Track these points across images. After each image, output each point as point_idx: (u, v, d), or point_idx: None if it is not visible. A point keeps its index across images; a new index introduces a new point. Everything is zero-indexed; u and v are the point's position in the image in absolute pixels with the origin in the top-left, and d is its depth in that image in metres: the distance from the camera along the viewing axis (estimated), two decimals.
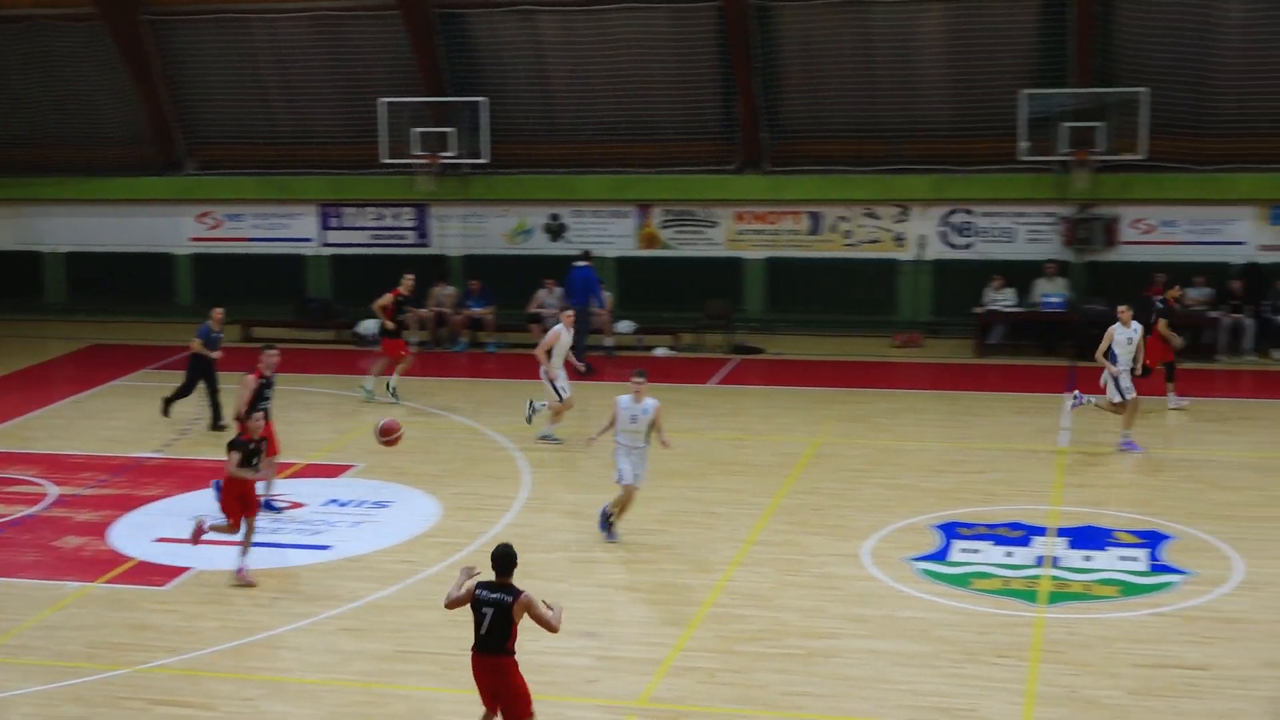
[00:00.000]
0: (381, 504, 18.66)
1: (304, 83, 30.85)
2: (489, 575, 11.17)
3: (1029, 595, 15.25)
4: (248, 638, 14.35)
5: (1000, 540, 16.87)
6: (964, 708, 12.65)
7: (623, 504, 16.95)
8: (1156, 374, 22.34)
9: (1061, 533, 17.14)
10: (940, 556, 16.41)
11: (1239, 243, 27.72)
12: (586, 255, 27.50)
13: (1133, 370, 20.65)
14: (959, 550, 16.59)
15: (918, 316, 29.07)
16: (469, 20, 29.49)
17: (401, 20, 29.22)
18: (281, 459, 18.74)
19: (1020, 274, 27.97)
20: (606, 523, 17.05)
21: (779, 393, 25.12)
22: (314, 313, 30.71)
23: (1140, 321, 20.95)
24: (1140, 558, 16.31)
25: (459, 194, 30.54)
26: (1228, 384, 25.39)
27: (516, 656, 11.17)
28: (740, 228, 29.75)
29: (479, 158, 29.41)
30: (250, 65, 30.96)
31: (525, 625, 11.11)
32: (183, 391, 22.72)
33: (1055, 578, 15.72)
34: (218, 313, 22.74)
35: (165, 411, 22.76)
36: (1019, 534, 17.12)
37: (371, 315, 29.49)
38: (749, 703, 12.84)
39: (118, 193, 32.27)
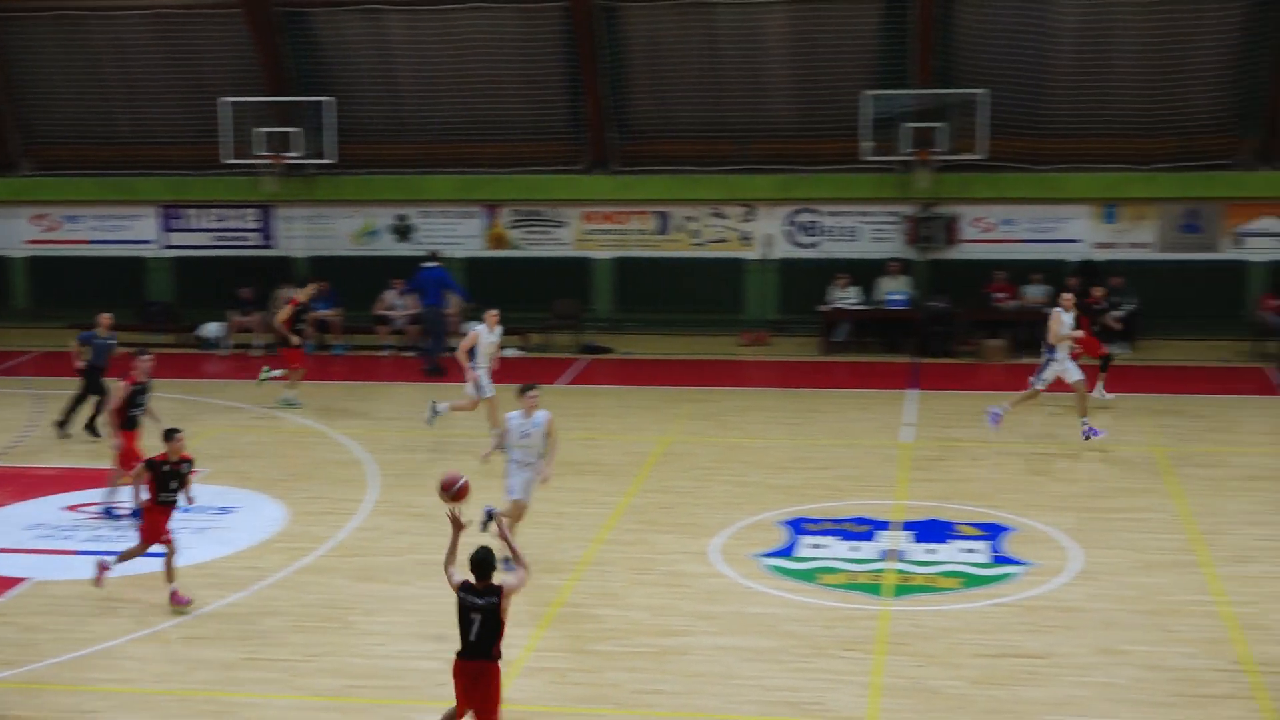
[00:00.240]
0: (226, 509, 18.38)
1: (144, 82, 30.30)
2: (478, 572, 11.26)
3: (874, 589, 15.47)
4: (88, 649, 14.04)
5: (846, 535, 17.10)
6: (812, 701, 12.80)
7: (513, 518, 16.19)
8: (1089, 367, 22.52)
9: (905, 527, 17.41)
10: (787, 552, 16.58)
11: (1075, 240, 28.40)
12: (435, 256, 27.35)
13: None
14: (806, 546, 16.78)
15: (764, 315, 29.37)
16: (313, 19, 29.18)
17: (243, 19, 28.82)
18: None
19: (865, 272, 28.38)
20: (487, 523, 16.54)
21: (628, 392, 25.21)
22: (155, 316, 30.15)
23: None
24: (982, 550, 16.63)
25: (305, 195, 30.21)
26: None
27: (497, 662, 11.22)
28: (588, 228, 29.81)
29: (325, 158, 29.11)
30: (89, 64, 30.32)
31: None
32: (79, 403, 21.83)
33: (900, 571, 15.97)
34: (105, 318, 21.46)
35: (89, 428, 21.68)
36: (864, 528, 17.37)
37: (214, 319, 29.13)
38: (600, 702, 12.86)
39: None
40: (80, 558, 15.80)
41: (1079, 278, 27.60)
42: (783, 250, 29.30)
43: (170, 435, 15.12)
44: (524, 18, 28.54)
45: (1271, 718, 12.42)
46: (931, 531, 17.25)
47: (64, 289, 30.25)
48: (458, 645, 11.32)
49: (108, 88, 30.53)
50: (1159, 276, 27.82)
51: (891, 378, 25.82)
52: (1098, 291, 23.96)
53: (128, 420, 17.77)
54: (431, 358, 26.57)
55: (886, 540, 16.96)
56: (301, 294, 24.20)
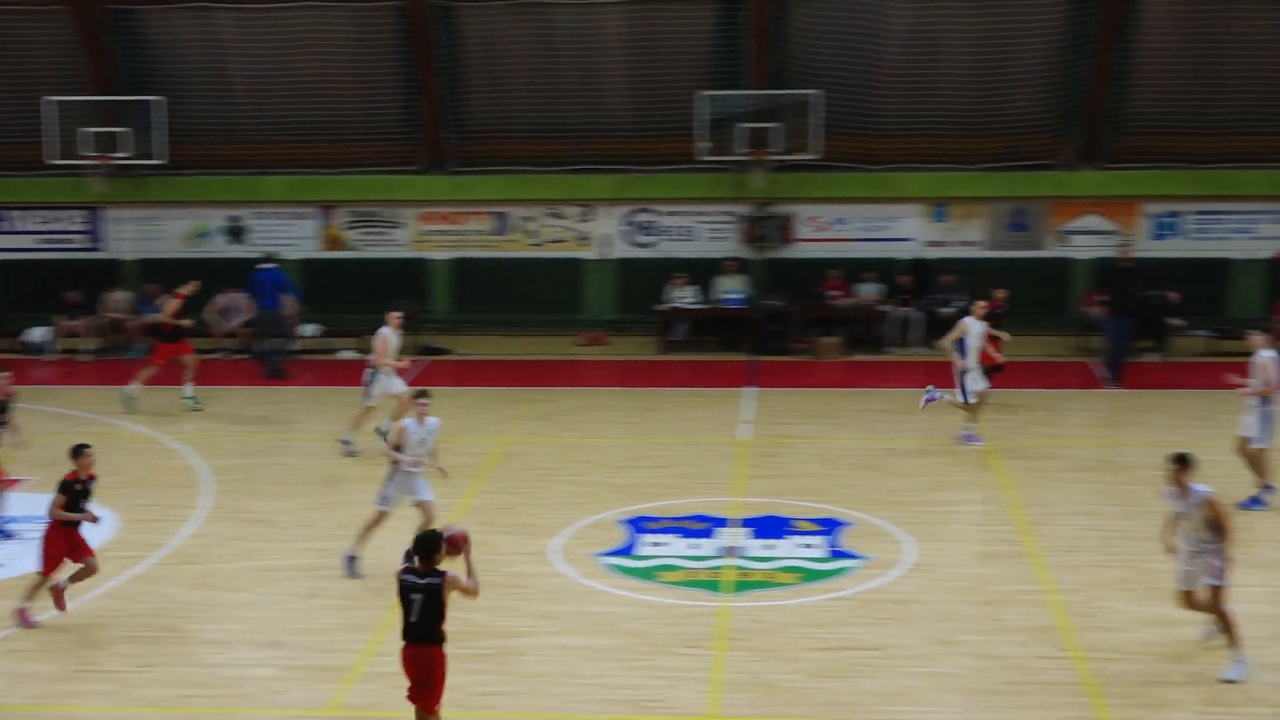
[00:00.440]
0: None
1: None
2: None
3: (713, 585, 15.60)
4: None
5: (685, 533, 17.21)
6: (652, 699, 12.88)
7: (375, 523, 16.06)
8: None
9: (744, 523, 17.58)
10: (627, 551, 16.66)
11: (906, 239, 28.90)
12: (271, 258, 26.97)
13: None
14: (645, 544, 16.87)
15: (603, 315, 29.44)
16: (142, 18, 28.58)
17: (67, 17, 28.14)
18: None
19: (702, 271, 28.58)
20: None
21: (467, 393, 25.08)
22: None
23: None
24: (819, 545, 16.86)
25: (134, 196, 29.58)
26: (898, 375, 26.40)
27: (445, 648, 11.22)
28: (425, 228, 29.63)
29: (155, 159, 28.53)
30: None
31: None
32: None
33: (738, 567, 16.12)
34: None
35: None
36: (703, 526, 17.50)
37: (40, 323, 28.44)
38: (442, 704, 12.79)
39: None
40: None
41: (911, 276, 28.12)
42: (620, 250, 29.40)
43: (79, 451, 14.58)
44: (358, 17, 28.26)
45: (1098, 703, 12.78)
46: (769, 527, 17.44)
47: None
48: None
49: None
50: (987, 274, 28.35)
51: (729, 376, 26.05)
52: (1000, 294, 24.19)
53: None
54: (273, 361, 26.22)
55: (725, 537, 17.11)
56: (186, 289, 23.76)
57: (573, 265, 29.45)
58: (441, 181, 29.40)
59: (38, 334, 28.33)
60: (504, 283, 29.39)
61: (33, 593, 14.55)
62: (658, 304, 28.38)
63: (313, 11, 28.11)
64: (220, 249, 29.78)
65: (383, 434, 20.56)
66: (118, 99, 28.65)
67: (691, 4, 27.83)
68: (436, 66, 28.34)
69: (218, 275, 28.40)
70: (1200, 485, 12.87)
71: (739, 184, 28.44)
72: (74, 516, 14.40)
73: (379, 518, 15.94)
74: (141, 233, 29.96)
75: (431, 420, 15.98)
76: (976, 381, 21.09)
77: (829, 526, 17.47)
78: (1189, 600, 13.20)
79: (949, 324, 27.50)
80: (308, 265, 29.45)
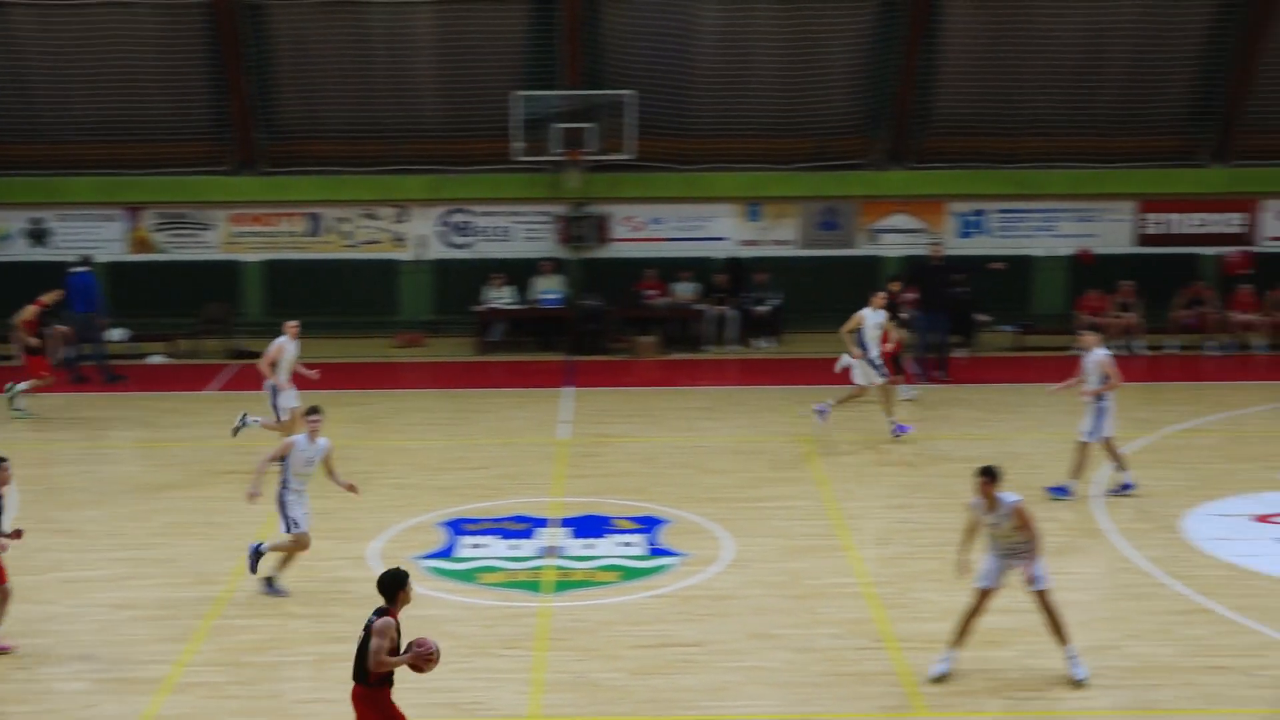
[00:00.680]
0: None
1: None
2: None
3: (534, 586, 15.61)
4: None
5: (505, 534, 17.20)
6: (473, 701, 12.85)
7: (299, 549, 15.43)
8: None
9: (564, 523, 17.62)
10: (447, 553, 16.59)
11: (721, 239, 29.19)
12: (86, 261, 26.31)
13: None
14: (465, 546, 16.81)
15: (419, 316, 29.24)
16: None
17: None
18: None
19: (519, 272, 28.55)
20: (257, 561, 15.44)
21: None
22: None
23: None
24: (638, 543, 16.97)
25: None
26: (714, 373, 26.69)
27: (380, 690, 10.73)
28: (237, 230, 29.13)
29: None
30: None
31: None
32: None
33: (559, 567, 16.15)
34: None
35: None
36: (523, 526, 17.50)
37: None
38: (260, 714, 12.62)
39: None
40: None
41: (726, 275, 28.41)
42: (436, 251, 29.22)
43: None
44: (164, 15, 27.64)
45: (912, 692, 13.06)
46: (589, 527, 17.50)
47: None
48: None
49: None
50: (800, 272, 28.84)
51: (547, 376, 26.07)
52: (894, 286, 24.39)
53: None
54: (82, 367, 25.57)
55: (545, 537, 17.13)
56: (47, 297, 22.99)
57: (388, 266, 29.21)
58: (252, 182, 28.94)
59: None
60: (318, 285, 29.02)
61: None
62: (475, 305, 28.28)
63: (116, 8, 27.42)
64: (22, 252, 28.93)
65: (239, 426, 20.17)
66: None
67: (504, 4, 27.77)
68: (246, 65, 27.87)
69: (17, 280, 27.56)
70: (1008, 494, 13.13)
71: (554, 184, 28.47)
72: None
73: (301, 544, 15.28)
74: None
75: (322, 440, 15.33)
76: (874, 372, 21.34)
77: (648, 525, 17.58)
78: (983, 598, 13.33)
79: (764, 322, 28.07)
80: (115, 268, 28.74)
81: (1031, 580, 13.08)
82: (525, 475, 19.77)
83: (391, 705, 10.82)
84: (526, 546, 16.82)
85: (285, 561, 15.38)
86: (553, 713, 12.65)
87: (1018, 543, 13.14)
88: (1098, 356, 18.27)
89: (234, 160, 28.92)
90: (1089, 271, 28.22)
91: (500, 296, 28.33)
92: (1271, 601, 15.14)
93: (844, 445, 21.23)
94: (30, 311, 22.98)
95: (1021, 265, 28.54)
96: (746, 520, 17.77)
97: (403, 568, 11.04)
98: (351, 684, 10.81)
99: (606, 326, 27.97)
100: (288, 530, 15.24)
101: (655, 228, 29.14)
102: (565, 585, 15.66)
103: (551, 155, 27.62)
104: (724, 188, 28.96)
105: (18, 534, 13.78)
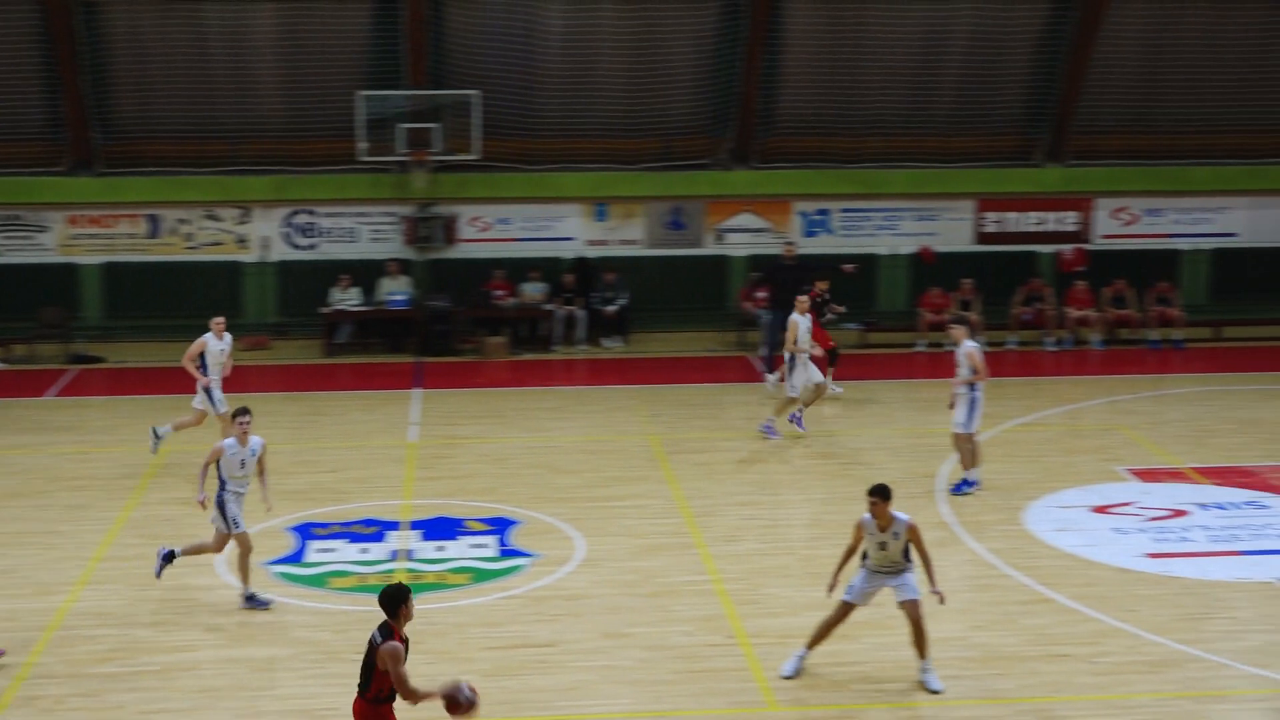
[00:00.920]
0: None
1: None
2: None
3: None
4: None
5: (355, 538, 17.06)
6: (326, 707, 12.73)
7: (245, 551, 15.05)
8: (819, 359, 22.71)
9: (414, 525, 17.53)
10: (296, 559, 16.40)
11: (569, 238, 29.21)
12: None
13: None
14: (314, 551, 16.65)
15: (264, 318, 28.81)
16: None
17: None
18: None
19: (365, 273, 28.28)
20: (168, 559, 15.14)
21: (122, 402, 24.25)
22: None
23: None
24: (490, 544, 16.94)
25: None
26: (564, 373, 26.72)
27: (381, 706, 10.50)
28: (74, 232, 28.46)
29: None
30: None
31: None
32: None
33: (410, 570, 16.07)
34: None
35: None
36: (373, 530, 17.37)
37: None
38: None
39: None
40: None
41: (574, 274, 28.44)
42: (281, 252, 28.84)
43: None
44: None
45: (763, 686, 13.20)
46: (440, 529, 17.43)
47: None
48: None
49: None
50: (648, 271, 28.96)
51: (395, 378, 25.87)
52: (821, 285, 24.39)
53: None
54: None
55: (396, 540, 17.02)
56: None
57: (231, 268, 28.75)
58: (89, 183, 28.29)
59: None
60: (159, 287, 28.46)
61: None
62: (321, 306, 27.96)
63: None
64: None
65: (156, 441, 19.79)
66: None
67: (346, 3, 27.50)
68: (80, 63, 27.24)
69: None
70: (900, 514, 13.20)
71: (400, 184, 28.27)
72: None
73: (244, 543, 14.94)
74: None
75: (255, 439, 15.11)
76: (811, 373, 21.38)
77: (499, 526, 17.56)
78: (846, 612, 13.36)
79: (613, 322, 28.12)
80: None
81: (909, 589, 13.16)
82: (375, 478, 19.62)
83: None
84: (377, 550, 16.70)
85: (245, 569, 14.96)
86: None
87: (903, 564, 13.24)
88: (967, 348, 18.59)
89: (70, 160, 28.26)
90: (930, 269, 28.72)
91: (347, 298, 28.05)
92: (1109, 590, 15.57)
93: (693, 443, 21.37)
94: None
95: (865, 264, 28.95)
96: (598, 520, 17.82)
97: (404, 584, 10.80)
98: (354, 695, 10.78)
99: (455, 327, 27.83)
100: (228, 530, 14.94)
101: (503, 228, 29.06)
102: (416, 588, 15.47)
103: (397, 155, 27.42)
104: (571, 188, 28.98)
105: None
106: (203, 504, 15.07)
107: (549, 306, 28.17)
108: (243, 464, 15.01)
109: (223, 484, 14.99)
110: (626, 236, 29.32)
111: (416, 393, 24.70)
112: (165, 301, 28.41)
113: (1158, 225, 29.87)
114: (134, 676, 13.27)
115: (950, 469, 19.45)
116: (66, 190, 28.27)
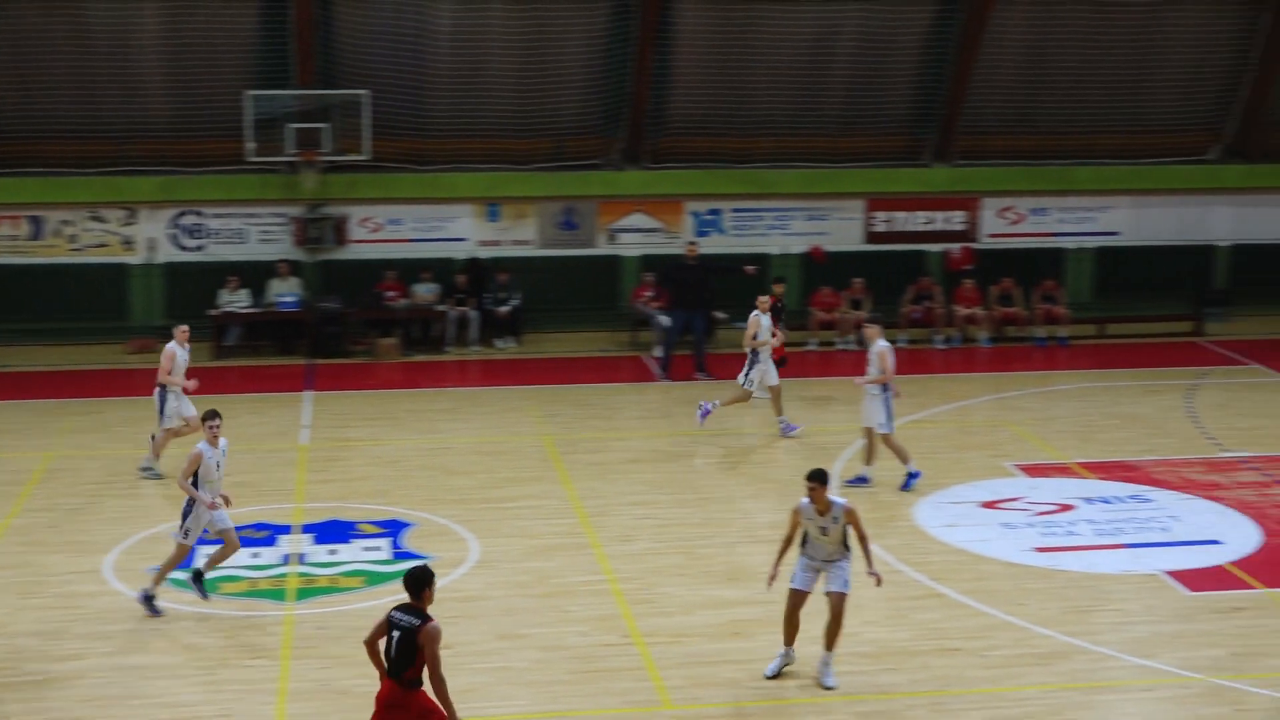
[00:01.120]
0: None
1: None
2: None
3: (277, 594, 15.37)
4: None
5: (246, 542, 16.84)
6: (217, 714, 12.60)
7: (226, 553, 15.08)
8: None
9: (306, 529, 17.39)
10: (186, 564, 16.17)
11: (461, 239, 29.09)
12: None
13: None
14: (205, 556, 16.41)
15: (151, 321, 28.38)
16: None
17: None
18: None
19: (255, 274, 27.97)
20: (199, 580, 15.05)
21: (4, 407, 23.76)
22: None
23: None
24: (383, 547, 16.84)
25: None
26: (456, 374, 26.60)
27: (413, 692, 10.51)
28: None
29: None
30: None
31: None
32: None
33: (302, 574, 15.94)
34: None
35: None
36: (264, 534, 17.21)
37: None
38: None
39: None
40: None
41: (467, 275, 28.34)
42: (168, 254, 28.44)
43: None
44: None
45: (658, 684, 13.25)
46: (332, 532, 17.30)
47: None
48: None
49: None
50: (541, 272, 28.93)
51: (286, 380, 25.62)
52: (778, 289, 24.29)
53: None
54: None
55: (288, 544, 16.87)
56: None
57: (117, 270, 28.30)
58: None
59: None
60: (42, 290, 27.95)
61: None
62: (210, 308, 27.62)
63: None
64: None
65: (146, 470, 19.47)
66: None
67: (233, 1, 27.19)
68: None
69: None
70: (838, 498, 13.32)
71: (290, 185, 28.00)
72: None
73: (180, 553, 14.87)
74: None
75: (223, 442, 15.11)
76: (768, 375, 21.40)
77: (392, 528, 17.47)
78: (799, 598, 13.41)
79: (505, 322, 28.05)
80: None
81: (842, 580, 13.26)
82: (265, 482, 19.43)
83: (427, 700, 10.69)
84: (268, 554, 16.55)
85: (164, 576, 14.95)
86: None
87: (841, 552, 13.33)
88: (880, 348, 18.79)
89: None
90: (821, 269, 28.95)
91: (236, 300, 27.73)
92: (998, 584, 15.81)
93: (586, 443, 21.40)
94: None
95: (757, 264, 29.12)
96: (492, 521, 17.79)
97: (427, 566, 10.84)
98: (388, 680, 10.74)
99: (346, 329, 27.61)
100: (180, 537, 14.89)
101: (394, 228, 28.88)
102: (309, 592, 15.45)
103: (286, 156, 27.16)
104: (463, 188, 28.86)
105: None
106: (227, 500, 15.16)
107: (441, 307, 28.03)
108: (217, 466, 14.99)
109: (195, 488, 14.86)
110: (519, 237, 29.26)
111: (308, 395, 24.49)
112: (49, 305, 27.94)
113: (1043, 224, 30.36)
114: (16, 686, 13.05)
115: (842, 468, 19.63)
116: None
